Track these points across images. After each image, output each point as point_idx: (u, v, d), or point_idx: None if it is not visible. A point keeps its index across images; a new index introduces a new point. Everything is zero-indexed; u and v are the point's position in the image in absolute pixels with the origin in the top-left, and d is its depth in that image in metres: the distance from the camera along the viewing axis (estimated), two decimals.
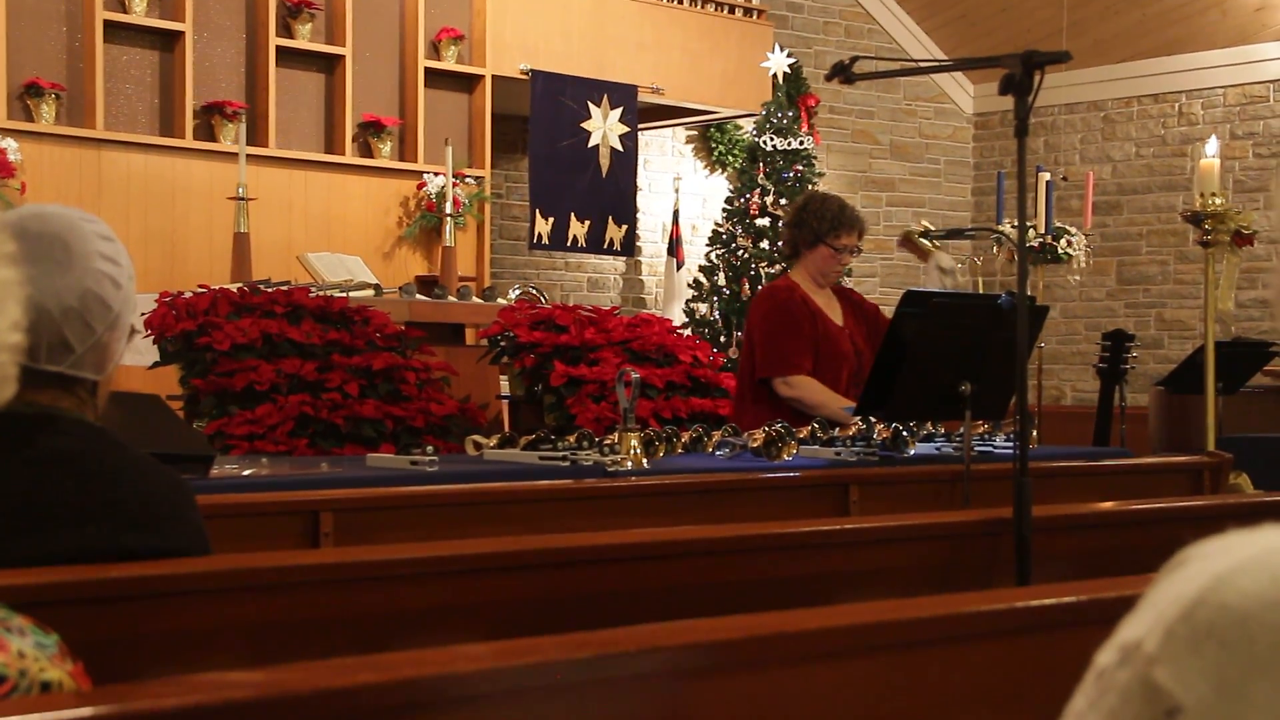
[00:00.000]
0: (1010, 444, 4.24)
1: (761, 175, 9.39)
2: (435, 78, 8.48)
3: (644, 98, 9.08)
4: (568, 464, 3.58)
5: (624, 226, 9.00)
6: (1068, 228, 7.31)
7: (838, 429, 4.36)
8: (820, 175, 9.85)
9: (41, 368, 1.80)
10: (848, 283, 9.46)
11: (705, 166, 10.53)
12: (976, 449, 4.10)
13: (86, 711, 1.16)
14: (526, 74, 8.58)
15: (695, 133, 10.47)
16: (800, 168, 9.43)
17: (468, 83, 8.67)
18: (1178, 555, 0.86)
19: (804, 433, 4.15)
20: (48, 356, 1.81)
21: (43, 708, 1.15)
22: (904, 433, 4.07)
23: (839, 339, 4.77)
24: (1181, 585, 0.82)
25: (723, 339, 9.14)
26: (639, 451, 3.68)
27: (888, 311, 4.67)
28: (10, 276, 1.23)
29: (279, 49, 7.90)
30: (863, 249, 4.98)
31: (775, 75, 9.45)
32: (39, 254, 1.78)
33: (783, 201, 9.16)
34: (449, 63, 8.52)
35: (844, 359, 4.75)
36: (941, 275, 4.77)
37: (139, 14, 7.52)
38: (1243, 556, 0.82)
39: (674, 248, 9.95)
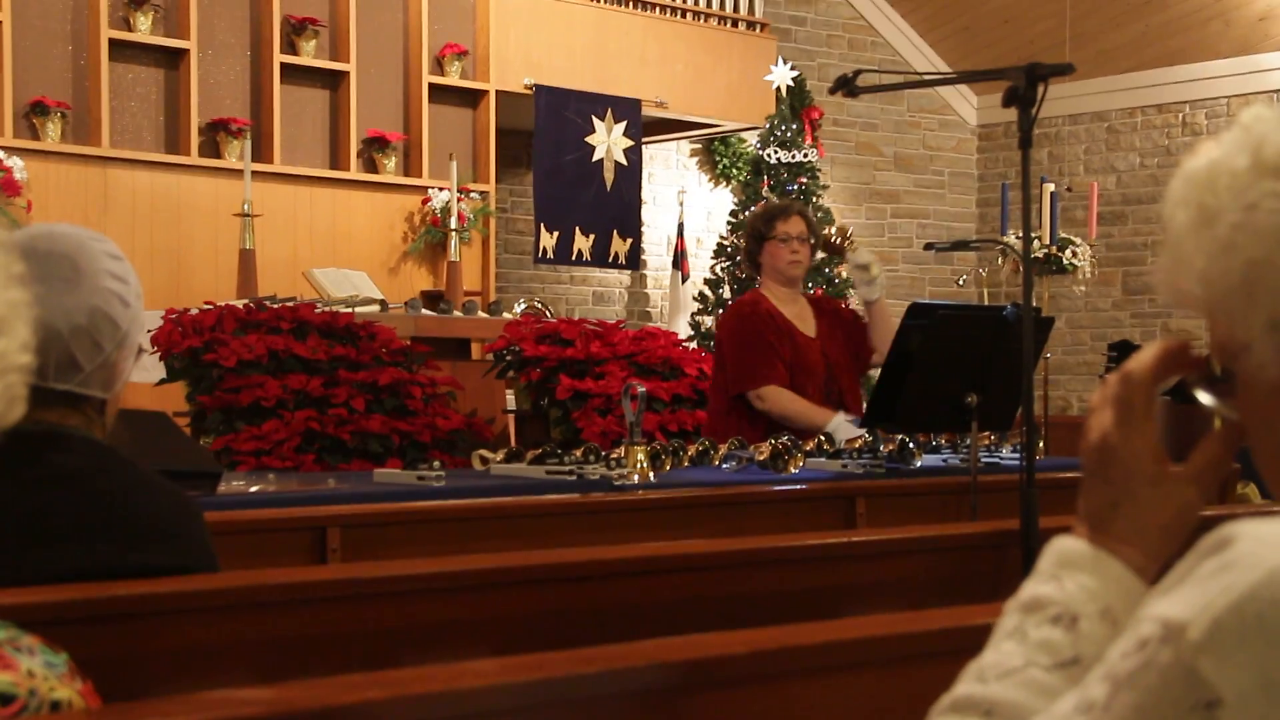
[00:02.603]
0: (1017, 455, 4.24)
1: (766, 188, 9.39)
2: (439, 93, 8.50)
3: (648, 111, 9.09)
4: (574, 478, 3.57)
5: (629, 240, 9.01)
6: (1073, 238, 7.31)
7: (844, 441, 4.36)
8: (824, 187, 9.85)
9: (50, 386, 1.81)
10: (852, 295, 9.46)
11: (709, 180, 10.54)
12: (983, 460, 4.10)
13: None
14: (530, 89, 8.59)
15: (699, 146, 10.48)
16: (804, 180, 9.44)
17: (472, 98, 8.68)
18: (1221, 530, 0.85)
19: (810, 445, 4.15)
20: (56, 375, 1.82)
21: None
22: (910, 445, 4.06)
23: (808, 350, 4.68)
24: (1233, 575, 0.81)
25: None
26: (645, 465, 3.68)
27: (893, 324, 4.63)
28: (19, 298, 1.23)
29: (283, 66, 7.92)
30: (813, 240, 4.89)
31: (779, 88, 9.47)
32: (48, 273, 1.79)
33: None
34: (453, 78, 8.54)
35: (812, 371, 4.66)
36: (860, 271, 4.73)
37: (144, 32, 7.55)
38: None
39: (679, 261, 9.96)
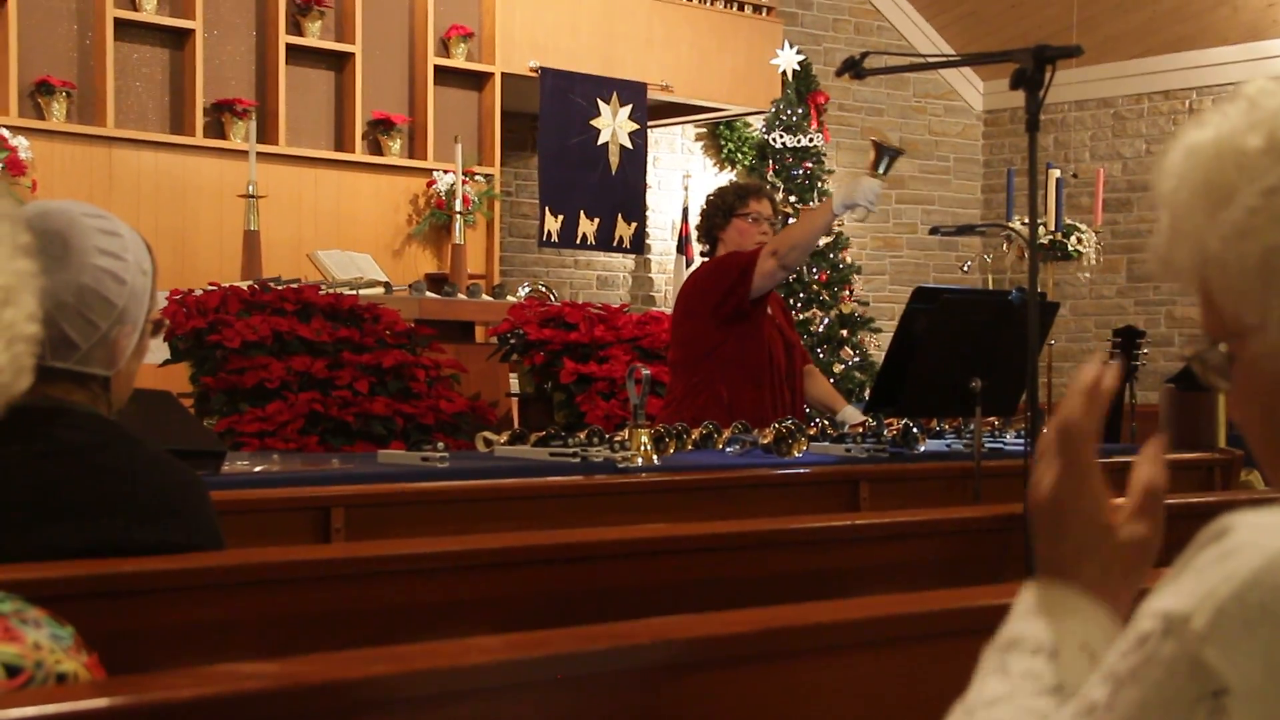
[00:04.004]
0: (1020, 440, 4.24)
1: (771, 172, 9.38)
2: (445, 75, 8.49)
3: (653, 95, 9.08)
4: (578, 460, 3.57)
5: (633, 224, 9.00)
6: (1078, 225, 7.31)
7: (847, 426, 4.36)
8: (829, 172, 9.84)
9: (49, 364, 1.80)
10: (857, 282, 9.46)
11: (715, 164, 10.53)
12: (987, 445, 4.10)
13: (103, 702, 1.16)
14: (536, 71, 8.58)
15: (705, 130, 10.46)
16: (809, 165, 9.43)
17: (477, 80, 8.67)
18: (1218, 522, 0.84)
19: (814, 430, 4.15)
20: (52, 353, 1.81)
21: (59, 698, 1.16)
22: (914, 429, 4.07)
23: (765, 323, 4.62)
24: (1234, 563, 0.81)
25: None
26: (649, 448, 3.68)
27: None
28: (26, 268, 1.24)
29: (289, 46, 7.91)
30: (776, 221, 4.81)
31: (785, 72, 9.45)
32: (38, 250, 1.78)
33: (792, 199, 9.15)
34: (458, 60, 8.53)
35: (776, 346, 4.61)
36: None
37: (149, 12, 7.54)
38: None
39: (683, 245, 9.95)
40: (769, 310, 4.67)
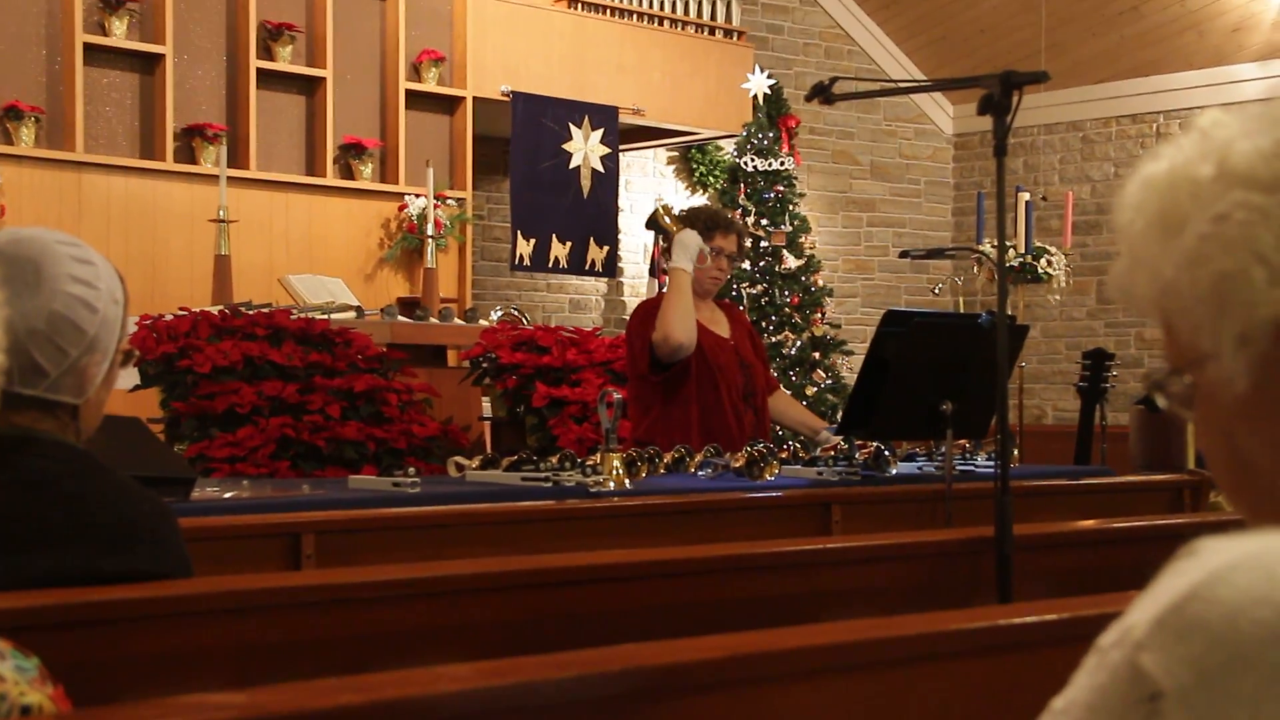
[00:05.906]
0: (991, 463, 4.25)
1: (743, 196, 9.40)
2: (416, 99, 8.49)
3: (625, 119, 9.09)
4: (550, 485, 3.57)
5: (605, 247, 9.01)
6: (1047, 247, 7.35)
7: (819, 449, 4.37)
8: (801, 196, 9.87)
9: (16, 391, 1.79)
10: (829, 304, 9.49)
11: (686, 187, 10.56)
12: (958, 468, 4.11)
13: None
14: (507, 95, 8.59)
15: (676, 154, 10.49)
16: (781, 188, 9.45)
17: (449, 104, 8.67)
18: (1191, 543, 0.88)
19: (785, 453, 4.16)
20: (21, 380, 1.80)
21: None
22: (886, 452, 4.07)
23: (720, 349, 4.57)
24: (1182, 578, 0.84)
25: None
26: (621, 472, 3.68)
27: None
28: None
29: (260, 71, 7.90)
30: (738, 256, 4.81)
31: (756, 96, 9.48)
32: (9, 277, 1.77)
33: (764, 222, 9.18)
34: (430, 84, 8.53)
35: (727, 369, 4.56)
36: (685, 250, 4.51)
37: (119, 37, 7.52)
38: (1241, 553, 0.84)
39: (655, 269, 9.96)
40: (724, 334, 4.65)
